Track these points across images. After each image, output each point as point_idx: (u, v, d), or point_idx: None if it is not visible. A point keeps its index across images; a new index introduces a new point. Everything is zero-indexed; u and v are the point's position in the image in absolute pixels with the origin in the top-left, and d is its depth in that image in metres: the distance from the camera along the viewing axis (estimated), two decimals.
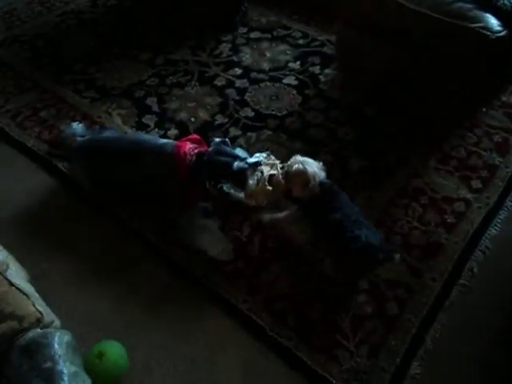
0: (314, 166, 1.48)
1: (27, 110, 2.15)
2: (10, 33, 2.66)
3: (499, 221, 1.70)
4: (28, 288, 1.23)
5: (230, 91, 2.25)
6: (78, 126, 1.84)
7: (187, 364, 1.38)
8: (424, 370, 1.34)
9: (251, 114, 2.13)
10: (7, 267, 1.23)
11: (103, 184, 1.74)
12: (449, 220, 1.69)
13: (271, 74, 2.34)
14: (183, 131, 2.03)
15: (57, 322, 1.20)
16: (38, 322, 1.10)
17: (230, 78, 2.32)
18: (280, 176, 1.49)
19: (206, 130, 2.04)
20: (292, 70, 2.36)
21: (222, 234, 1.60)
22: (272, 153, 1.85)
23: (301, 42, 2.54)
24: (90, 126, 2.00)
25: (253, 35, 2.59)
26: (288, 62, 2.41)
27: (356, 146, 1.96)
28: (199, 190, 1.59)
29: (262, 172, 1.46)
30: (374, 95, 2.15)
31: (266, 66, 2.39)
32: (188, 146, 1.58)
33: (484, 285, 1.52)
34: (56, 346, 1.05)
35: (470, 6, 1.74)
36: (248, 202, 1.55)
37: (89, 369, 1.17)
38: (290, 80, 2.30)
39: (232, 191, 1.65)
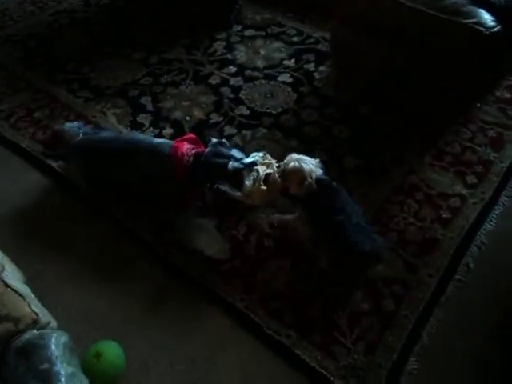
0: (310, 164, 1.48)
1: (21, 111, 2.14)
2: (2, 33, 2.64)
3: (494, 216, 1.70)
4: (24, 289, 1.22)
5: (225, 89, 2.24)
6: (75, 125, 1.83)
7: (186, 363, 1.37)
8: (421, 366, 1.34)
9: (246, 112, 2.13)
10: (3, 268, 1.22)
11: (99, 183, 1.74)
12: (444, 216, 1.70)
13: (266, 71, 2.34)
14: (178, 130, 2.03)
15: (53, 323, 1.20)
16: (35, 323, 1.09)
17: (225, 76, 2.32)
18: (276, 175, 1.50)
19: (201, 129, 2.04)
20: (287, 67, 2.36)
21: (218, 234, 1.60)
22: (267, 151, 1.87)
23: (295, 39, 2.54)
24: (85, 125, 1.99)
25: (247, 33, 2.59)
26: (283, 59, 2.41)
27: (351, 143, 1.96)
28: (196, 191, 1.59)
29: (258, 172, 1.46)
30: (370, 93, 2.15)
31: (260, 63, 2.39)
32: (185, 147, 1.57)
33: (479, 280, 1.53)
34: (53, 347, 1.05)
35: (463, 1, 1.74)
36: (245, 201, 1.55)
37: (86, 369, 1.17)
38: (285, 77, 2.30)
39: (229, 190, 1.65)
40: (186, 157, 1.55)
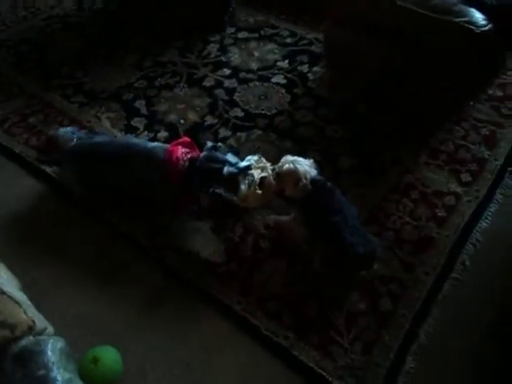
0: (304, 165, 1.49)
1: (15, 116, 2.13)
2: None
3: (489, 214, 1.71)
4: (20, 296, 1.21)
5: (219, 92, 2.25)
6: (69, 130, 1.83)
7: (183, 367, 1.37)
8: (418, 365, 1.34)
9: (241, 113, 2.13)
10: None
11: (94, 188, 1.74)
12: (440, 214, 1.70)
13: (260, 73, 2.34)
14: (173, 133, 2.03)
15: (50, 329, 1.19)
16: (31, 329, 1.08)
17: (219, 78, 2.32)
18: (271, 178, 1.51)
19: (196, 132, 2.04)
20: (280, 68, 2.36)
21: (213, 236, 1.59)
22: (262, 152, 1.88)
23: (289, 40, 2.54)
24: (79, 130, 1.98)
25: (241, 35, 2.59)
26: (276, 61, 2.41)
27: (345, 143, 1.97)
28: (192, 196, 1.59)
29: (253, 176, 1.47)
30: (364, 93, 2.15)
31: (254, 65, 2.39)
32: (180, 151, 1.57)
33: (476, 278, 1.53)
34: (49, 353, 1.04)
35: (454, 0, 1.75)
36: (241, 204, 1.55)
37: (83, 374, 1.16)
38: (279, 79, 2.30)
39: (224, 193, 1.65)
40: (181, 161, 1.55)
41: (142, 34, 2.59)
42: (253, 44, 2.53)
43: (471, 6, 1.72)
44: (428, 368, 1.34)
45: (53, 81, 2.33)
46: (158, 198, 1.64)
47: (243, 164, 1.50)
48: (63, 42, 2.59)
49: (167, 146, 1.64)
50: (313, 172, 1.49)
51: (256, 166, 1.51)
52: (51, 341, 1.08)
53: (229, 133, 2.04)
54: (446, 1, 1.76)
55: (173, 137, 1.95)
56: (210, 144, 1.61)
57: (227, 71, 2.36)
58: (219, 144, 1.65)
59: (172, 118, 2.12)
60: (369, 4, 1.91)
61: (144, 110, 2.16)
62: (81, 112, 2.16)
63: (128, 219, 1.70)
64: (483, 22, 1.68)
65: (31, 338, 1.08)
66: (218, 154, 1.56)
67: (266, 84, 2.28)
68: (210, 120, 2.10)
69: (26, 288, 1.33)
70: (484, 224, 1.68)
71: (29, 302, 1.22)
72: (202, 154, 1.56)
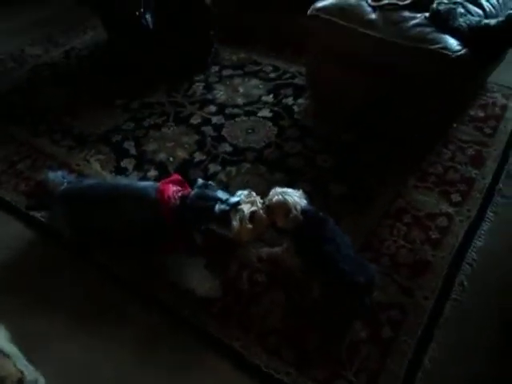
0: (294, 196, 1.49)
1: (3, 164, 2.13)
2: None
3: (483, 232, 1.71)
4: (9, 348, 1.18)
5: (207, 128, 2.27)
6: (59, 174, 1.83)
7: None
8: None
9: (229, 148, 2.15)
10: None
11: (84, 231, 1.72)
12: (433, 236, 1.70)
13: (246, 108, 2.38)
14: (163, 172, 2.04)
15: (41, 380, 1.16)
16: (20, 382, 1.05)
17: (206, 115, 2.36)
18: (261, 211, 1.51)
19: (185, 169, 2.05)
20: (266, 102, 2.41)
21: (207, 272, 1.57)
22: (253, 185, 1.90)
23: (272, 75, 2.61)
24: (68, 174, 1.99)
25: (225, 73, 2.65)
26: (261, 95, 2.46)
27: (335, 172, 1.98)
28: (184, 233, 1.58)
29: (243, 211, 1.47)
30: (349, 121, 2.19)
31: (240, 101, 2.44)
32: (171, 190, 1.58)
33: (475, 297, 1.51)
34: None
35: (428, 29, 1.82)
36: (234, 239, 1.54)
37: None
38: (265, 113, 2.34)
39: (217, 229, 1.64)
40: (172, 200, 1.55)
41: (129, 78, 2.63)
42: (237, 80, 2.58)
43: (444, 33, 1.78)
44: None
45: (41, 127, 2.35)
46: (150, 237, 1.62)
47: (233, 200, 1.51)
48: (51, 89, 2.62)
49: (157, 184, 1.64)
50: (303, 202, 1.49)
51: (245, 200, 1.51)
52: None
53: (218, 168, 2.05)
54: (421, 30, 1.82)
55: (163, 175, 1.96)
56: (200, 182, 1.61)
57: (214, 108, 2.40)
58: (209, 182, 1.65)
59: (161, 156, 2.14)
60: (347, 38, 1.98)
61: (133, 151, 2.17)
62: (70, 155, 2.17)
63: (119, 260, 1.68)
64: (458, 48, 1.74)
65: None
66: (209, 192, 1.56)
67: (252, 118, 2.32)
68: (198, 156, 2.12)
69: (15, 339, 1.29)
70: (478, 243, 1.67)
71: (19, 354, 1.19)
72: (193, 193, 1.56)
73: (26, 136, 2.30)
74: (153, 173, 2.05)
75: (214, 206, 1.49)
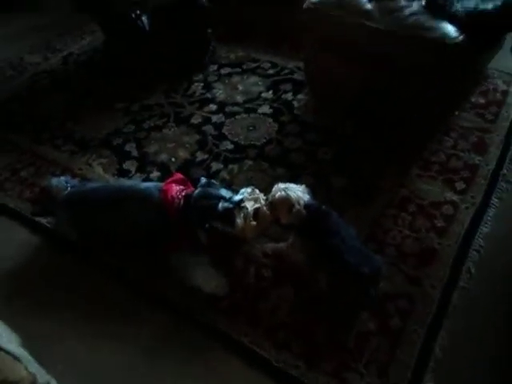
0: (296, 191, 1.49)
1: (6, 172, 2.14)
2: None
3: (489, 218, 1.71)
4: (20, 352, 1.18)
5: (208, 127, 2.27)
6: (62, 179, 1.84)
7: None
8: (437, 381, 1.30)
9: (231, 146, 2.15)
10: None
11: (90, 234, 1.72)
12: (439, 224, 1.70)
13: (246, 105, 2.38)
14: (165, 172, 2.04)
15: (53, 383, 1.16)
16: None
17: (206, 114, 2.36)
18: (264, 208, 1.51)
19: (187, 168, 2.05)
20: (265, 99, 2.40)
21: (214, 270, 1.57)
22: (255, 181, 1.90)
23: (271, 71, 2.60)
24: (72, 178, 1.99)
25: (223, 71, 2.65)
26: (261, 92, 2.46)
27: (337, 165, 1.98)
28: (189, 232, 1.58)
29: (246, 208, 1.47)
30: (349, 114, 2.19)
31: (239, 98, 2.43)
32: (175, 190, 1.58)
33: (483, 284, 1.51)
34: None
35: (425, 17, 1.81)
36: (239, 236, 1.54)
37: None
38: (265, 109, 2.34)
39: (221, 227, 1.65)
40: (176, 199, 1.55)
41: (127, 81, 2.64)
42: (236, 78, 2.58)
43: (442, 20, 1.77)
44: (447, 383, 1.29)
45: (43, 134, 2.35)
46: (155, 237, 1.63)
47: (237, 198, 1.51)
48: (51, 95, 2.63)
49: (161, 184, 1.64)
50: (305, 197, 1.48)
51: (249, 197, 1.51)
52: None
53: (221, 166, 2.05)
54: (417, 18, 1.81)
55: (165, 176, 1.95)
56: (203, 180, 1.62)
57: (213, 107, 2.40)
58: (213, 180, 1.65)
59: (163, 157, 2.14)
60: (344, 29, 1.97)
61: (135, 153, 2.18)
62: (72, 160, 2.17)
63: (125, 261, 1.68)
64: (455, 34, 1.73)
65: None
66: (212, 190, 1.56)
67: (252, 115, 2.32)
68: (200, 156, 2.12)
69: (26, 343, 1.29)
70: (484, 229, 1.67)
71: (30, 358, 1.19)
72: (196, 192, 1.57)
73: (27, 143, 2.31)
74: (155, 174, 2.05)
75: (217, 205, 1.49)
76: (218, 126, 2.27)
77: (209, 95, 2.49)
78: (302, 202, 1.46)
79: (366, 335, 1.42)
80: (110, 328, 1.53)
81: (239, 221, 1.47)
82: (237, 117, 2.32)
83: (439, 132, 2.08)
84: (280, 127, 2.22)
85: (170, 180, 1.68)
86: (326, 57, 2.13)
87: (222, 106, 2.40)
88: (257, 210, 1.50)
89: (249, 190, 1.55)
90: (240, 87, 2.51)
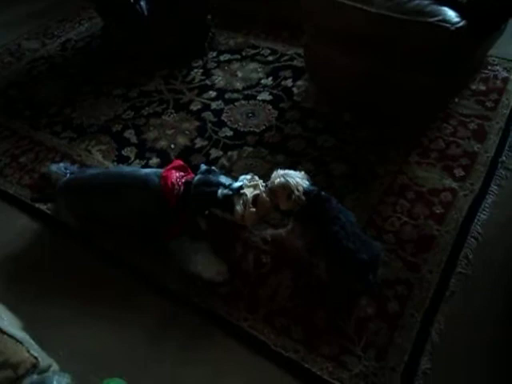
0: (295, 177, 1.48)
1: (5, 158, 2.14)
2: None
3: (487, 205, 1.71)
4: (22, 335, 1.19)
5: (207, 114, 2.27)
6: (61, 165, 1.84)
7: None
8: (434, 364, 1.32)
9: (230, 133, 2.14)
10: None
11: (89, 220, 1.73)
12: (437, 211, 1.70)
13: (245, 92, 2.37)
14: (164, 159, 2.04)
15: (55, 366, 1.17)
16: (34, 367, 1.06)
17: (205, 101, 2.35)
18: (263, 194, 1.51)
19: (187, 155, 2.05)
20: (265, 86, 2.39)
21: (213, 256, 1.58)
22: (255, 168, 1.90)
23: (270, 58, 2.58)
24: (71, 164, 1.99)
25: (222, 58, 2.63)
26: (260, 79, 2.44)
27: (337, 151, 1.98)
28: (189, 218, 1.58)
29: (246, 195, 1.47)
30: (349, 100, 2.18)
31: (239, 85, 2.42)
32: (175, 176, 1.58)
33: (480, 270, 1.52)
34: None
35: (426, 1, 1.79)
36: (238, 222, 1.55)
37: None
38: (265, 96, 2.33)
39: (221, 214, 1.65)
40: (176, 186, 1.55)
41: (126, 67, 2.63)
42: (235, 65, 2.57)
43: (443, 5, 1.76)
44: (444, 366, 1.31)
45: (41, 120, 2.35)
46: (155, 223, 1.63)
47: (236, 185, 1.51)
48: (50, 82, 2.62)
49: (161, 170, 1.64)
50: (305, 183, 1.48)
51: (248, 184, 1.52)
52: (56, 377, 1.07)
53: (220, 153, 2.05)
54: (418, 3, 1.79)
55: (165, 162, 1.96)
56: (203, 167, 1.62)
57: (213, 93, 2.39)
58: (212, 167, 1.65)
59: (162, 144, 2.13)
60: (344, 15, 1.95)
61: (134, 139, 2.18)
62: (71, 147, 2.17)
63: (126, 247, 1.69)
64: (457, 19, 1.72)
65: (35, 376, 1.06)
66: (211, 177, 1.56)
67: (252, 102, 2.31)
68: (200, 142, 2.11)
69: (27, 327, 1.31)
70: (483, 216, 1.67)
71: (31, 341, 1.19)
72: (196, 178, 1.57)
73: (26, 129, 2.31)
74: (154, 160, 2.05)
75: (217, 192, 1.49)
76: (218, 113, 2.27)
77: (208, 82, 2.47)
78: (301, 189, 1.45)
79: (364, 320, 1.43)
80: (110, 313, 1.54)
81: (239, 207, 1.48)
82: (236, 103, 2.31)
83: (438, 119, 2.07)
84: (280, 114, 2.22)
85: (170, 166, 1.67)
86: (325, 43, 2.11)
87: (221, 93, 2.39)
88: (256, 197, 1.50)
89: (248, 176, 1.55)
90: (239, 74, 2.50)
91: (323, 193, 1.50)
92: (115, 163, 2.06)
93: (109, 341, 1.47)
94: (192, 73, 2.55)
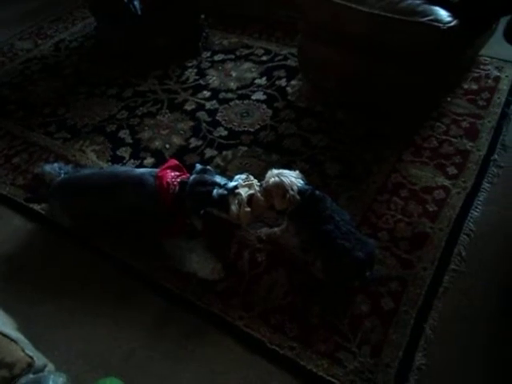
0: (290, 176, 1.49)
1: None
2: None
3: (479, 203, 1.73)
4: (16, 335, 1.19)
5: (201, 114, 2.27)
6: (55, 166, 1.84)
7: None
8: (428, 360, 1.33)
9: (224, 132, 2.15)
10: None
11: (84, 220, 1.72)
12: (431, 209, 1.72)
13: (239, 92, 2.38)
14: (159, 159, 2.04)
15: (50, 366, 1.17)
16: (30, 367, 1.06)
17: (200, 101, 2.35)
18: (258, 194, 1.51)
19: (181, 155, 2.05)
20: (259, 85, 2.40)
21: (209, 254, 1.58)
22: (250, 167, 1.91)
23: (264, 58, 2.59)
24: (65, 165, 1.98)
25: (216, 58, 2.64)
26: (254, 78, 2.45)
27: (331, 150, 1.99)
28: (185, 218, 1.59)
29: (240, 195, 1.48)
30: (342, 99, 2.19)
31: (233, 85, 2.43)
32: (170, 176, 1.58)
33: (473, 267, 1.53)
34: None
35: (418, 1, 1.80)
36: (234, 221, 1.56)
37: None
38: (259, 95, 2.34)
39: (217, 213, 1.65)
40: (171, 186, 1.56)
41: (120, 67, 2.63)
42: (229, 65, 2.57)
43: (435, 5, 1.77)
44: (438, 362, 1.32)
45: (35, 120, 2.34)
46: (150, 223, 1.64)
47: (231, 184, 1.52)
48: (43, 82, 2.61)
49: (156, 170, 1.64)
50: (299, 182, 1.49)
51: (243, 184, 1.52)
52: (52, 377, 1.07)
53: (215, 152, 2.05)
54: (410, 3, 1.81)
55: (159, 162, 1.96)
56: (198, 167, 1.62)
57: (207, 93, 2.40)
58: (208, 167, 1.66)
59: (157, 143, 2.14)
60: (337, 14, 1.96)
61: (128, 139, 2.17)
62: (65, 147, 2.17)
63: (120, 247, 1.69)
64: (448, 19, 1.73)
65: (31, 375, 1.06)
66: (207, 177, 1.57)
67: (246, 102, 2.31)
68: (194, 142, 2.12)
69: (22, 327, 1.31)
70: (475, 213, 1.69)
71: (26, 341, 1.19)
72: (191, 178, 1.57)
73: (20, 130, 2.30)
74: (149, 160, 2.05)
75: (212, 191, 1.50)
76: (212, 113, 2.27)
77: (202, 82, 2.48)
78: (295, 188, 1.46)
79: (359, 317, 1.44)
80: (105, 312, 1.54)
81: (234, 207, 1.48)
82: (230, 103, 2.32)
83: (431, 118, 2.09)
84: (274, 113, 2.22)
85: (165, 166, 1.67)
86: (319, 43, 2.12)
87: (215, 93, 2.39)
88: (251, 196, 1.51)
89: (243, 176, 1.56)
90: (233, 74, 2.51)
91: (318, 192, 1.51)
92: (110, 163, 2.06)
93: (105, 340, 1.47)
94: (186, 73, 2.55)
